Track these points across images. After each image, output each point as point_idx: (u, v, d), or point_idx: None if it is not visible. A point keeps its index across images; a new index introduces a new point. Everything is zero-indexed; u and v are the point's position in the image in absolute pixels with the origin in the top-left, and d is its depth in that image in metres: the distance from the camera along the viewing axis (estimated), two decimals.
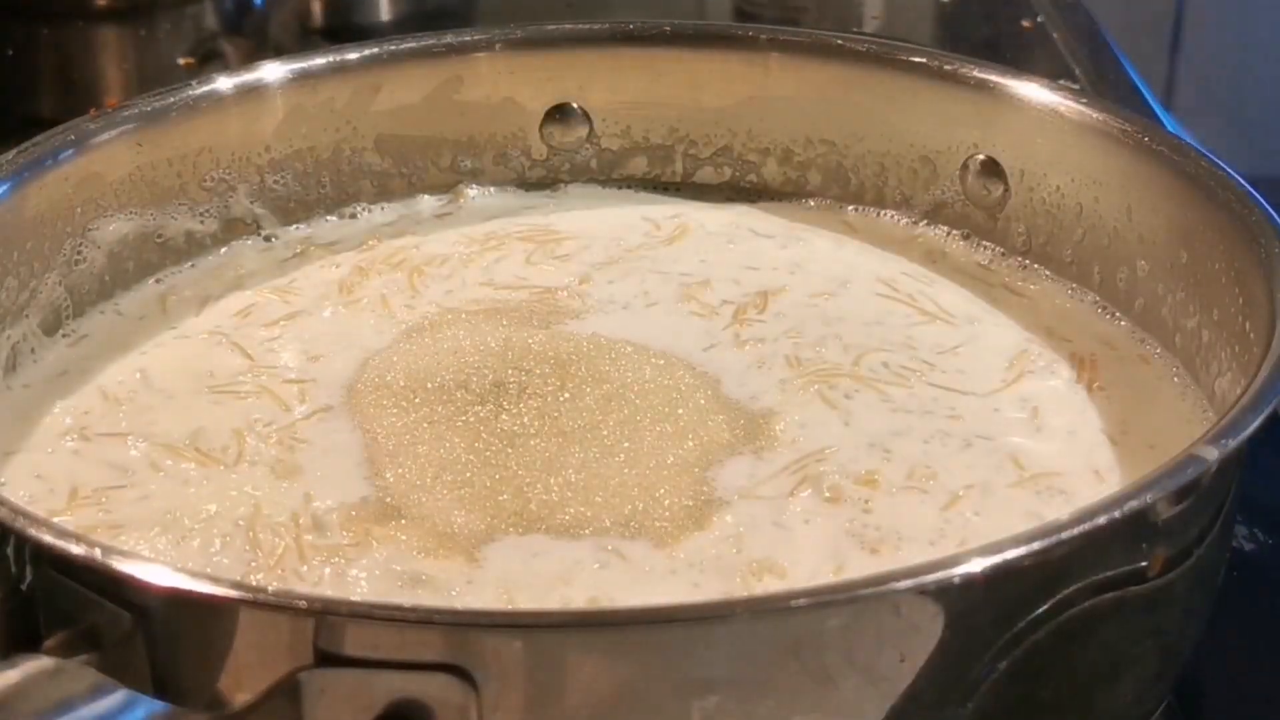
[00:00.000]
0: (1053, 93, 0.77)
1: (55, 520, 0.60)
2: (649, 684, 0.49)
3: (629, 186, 0.85)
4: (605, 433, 0.65)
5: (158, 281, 0.77)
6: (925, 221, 0.81)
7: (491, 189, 0.85)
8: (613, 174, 0.85)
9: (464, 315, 0.74)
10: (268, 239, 0.80)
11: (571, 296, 0.75)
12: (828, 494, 0.62)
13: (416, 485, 0.63)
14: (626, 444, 0.64)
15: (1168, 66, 2.01)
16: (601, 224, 0.82)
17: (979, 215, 0.79)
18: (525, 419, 0.66)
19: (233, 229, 0.79)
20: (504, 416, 0.66)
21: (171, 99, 0.77)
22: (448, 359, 0.70)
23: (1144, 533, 0.53)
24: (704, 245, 0.80)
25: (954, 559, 0.50)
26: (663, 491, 0.62)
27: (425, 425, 0.66)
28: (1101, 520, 0.51)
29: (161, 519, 0.61)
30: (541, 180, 0.85)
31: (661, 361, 0.70)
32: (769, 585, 0.58)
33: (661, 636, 0.49)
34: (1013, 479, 0.64)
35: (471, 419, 0.66)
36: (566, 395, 0.67)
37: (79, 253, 0.73)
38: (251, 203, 0.79)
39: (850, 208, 0.83)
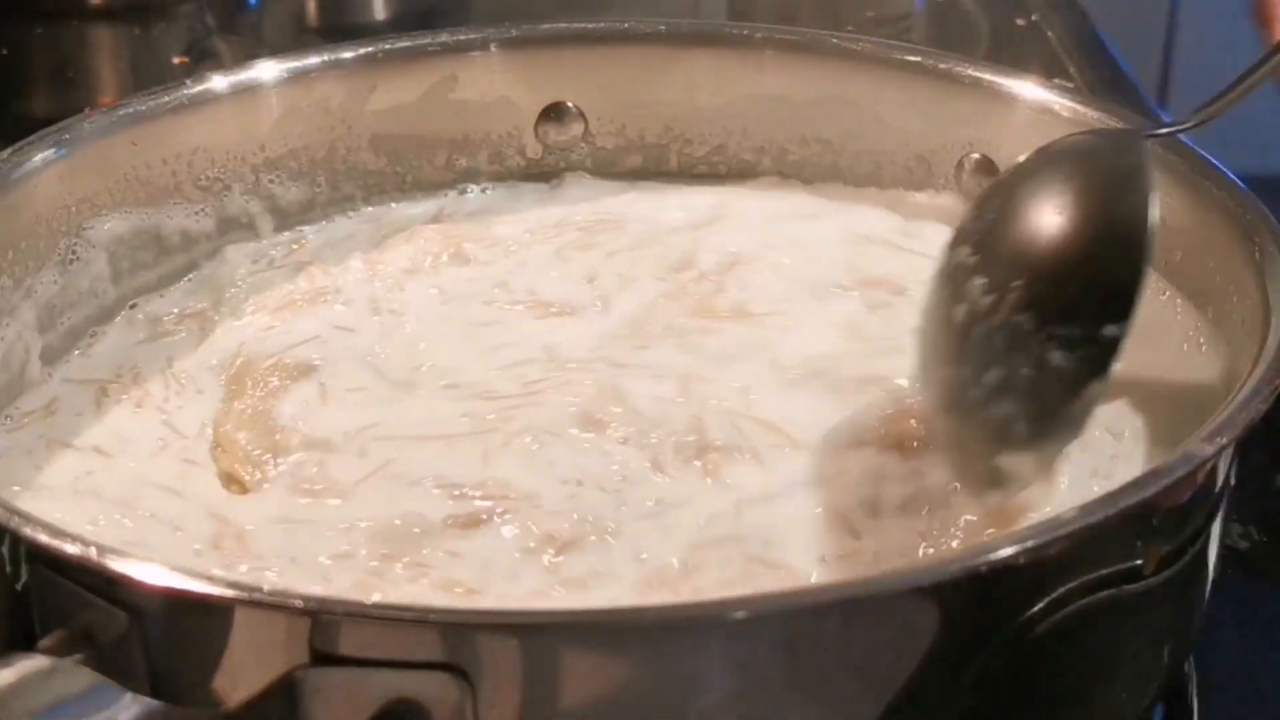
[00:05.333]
0: (1047, 91, 0.77)
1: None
2: (644, 683, 0.49)
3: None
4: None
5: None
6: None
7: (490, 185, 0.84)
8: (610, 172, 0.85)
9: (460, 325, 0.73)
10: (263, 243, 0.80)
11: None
12: None
13: None
14: None
15: (1162, 64, 2.01)
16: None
17: None
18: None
19: (228, 228, 0.79)
20: None
21: (166, 98, 0.77)
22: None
23: (1138, 531, 0.53)
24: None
25: (949, 558, 0.50)
26: None
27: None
28: (1096, 518, 0.51)
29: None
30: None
31: None
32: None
33: (657, 636, 0.49)
34: None
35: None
36: None
37: (74, 252, 0.73)
38: (247, 202, 0.79)
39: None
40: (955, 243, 0.60)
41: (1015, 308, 0.56)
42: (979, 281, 0.57)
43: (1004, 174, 0.62)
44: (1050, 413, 0.55)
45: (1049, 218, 0.57)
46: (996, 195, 0.61)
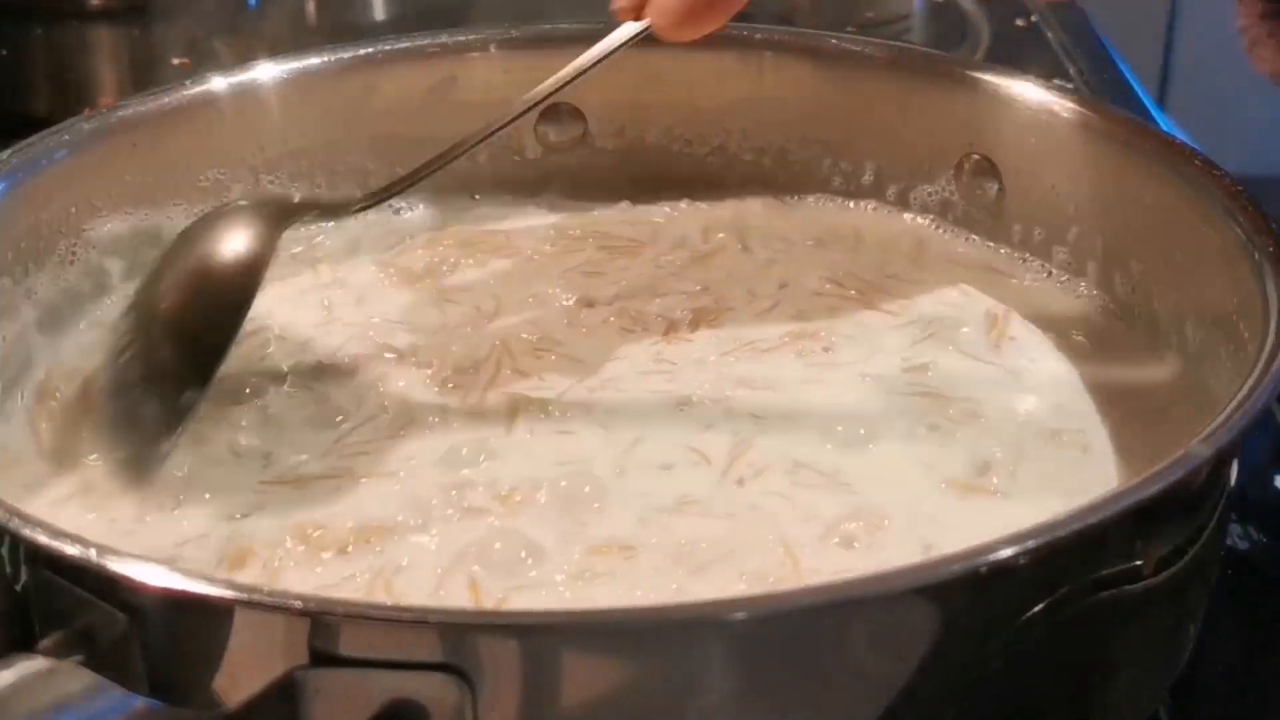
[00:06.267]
0: (1047, 92, 0.77)
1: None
2: (644, 684, 0.49)
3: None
4: None
5: None
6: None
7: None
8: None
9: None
10: None
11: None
12: None
13: None
14: None
15: (1161, 65, 2.01)
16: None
17: (977, 213, 0.79)
18: None
19: None
20: None
21: (166, 99, 0.77)
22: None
23: (1138, 531, 0.53)
24: None
25: (948, 559, 0.50)
26: None
27: None
28: (1095, 519, 0.51)
29: None
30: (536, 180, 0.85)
31: None
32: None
33: (657, 636, 0.49)
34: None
35: None
36: None
37: (74, 252, 0.73)
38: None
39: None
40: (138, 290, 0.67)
41: (134, 359, 0.64)
42: (130, 332, 0.65)
43: (177, 238, 0.69)
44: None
45: (164, 294, 0.65)
46: (164, 259, 0.67)
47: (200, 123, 0.77)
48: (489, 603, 0.57)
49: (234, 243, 0.65)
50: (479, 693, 0.48)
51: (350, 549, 0.59)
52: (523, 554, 0.59)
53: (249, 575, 0.58)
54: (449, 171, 0.75)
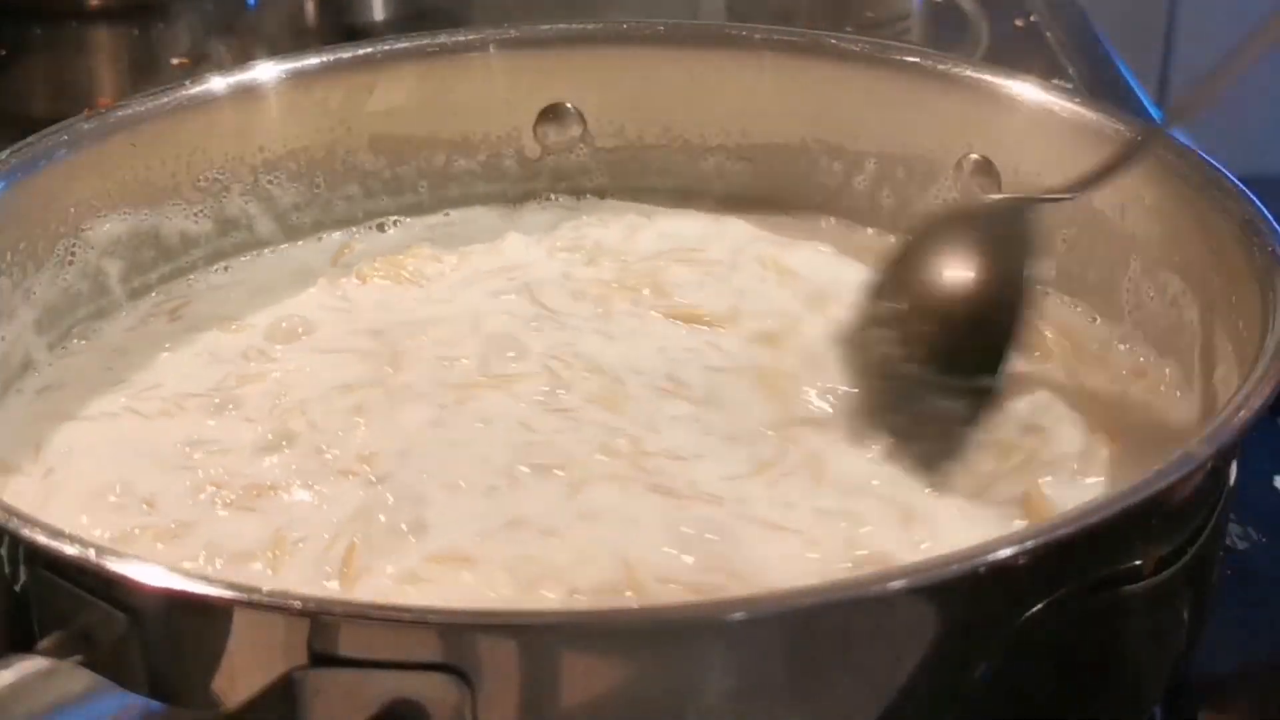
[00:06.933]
0: (1046, 92, 0.77)
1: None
2: (643, 684, 0.49)
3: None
4: None
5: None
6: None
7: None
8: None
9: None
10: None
11: None
12: None
13: None
14: None
15: (1161, 65, 2.01)
16: None
17: None
18: None
19: (227, 229, 0.79)
20: None
21: (165, 99, 0.77)
22: None
23: (1138, 531, 0.53)
24: None
25: (948, 559, 0.50)
26: None
27: None
28: (1094, 519, 0.51)
29: None
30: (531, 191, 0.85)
31: None
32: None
33: (657, 636, 0.49)
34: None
35: None
36: None
37: (73, 253, 0.73)
38: (246, 203, 0.79)
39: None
40: (876, 294, 0.69)
41: (913, 358, 0.66)
42: (891, 333, 0.67)
43: (916, 231, 0.71)
44: (932, 444, 0.65)
45: (945, 286, 0.68)
46: (910, 254, 0.70)
47: (200, 123, 0.77)
48: None
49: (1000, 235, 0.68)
50: (479, 693, 0.48)
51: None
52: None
53: None
54: None
